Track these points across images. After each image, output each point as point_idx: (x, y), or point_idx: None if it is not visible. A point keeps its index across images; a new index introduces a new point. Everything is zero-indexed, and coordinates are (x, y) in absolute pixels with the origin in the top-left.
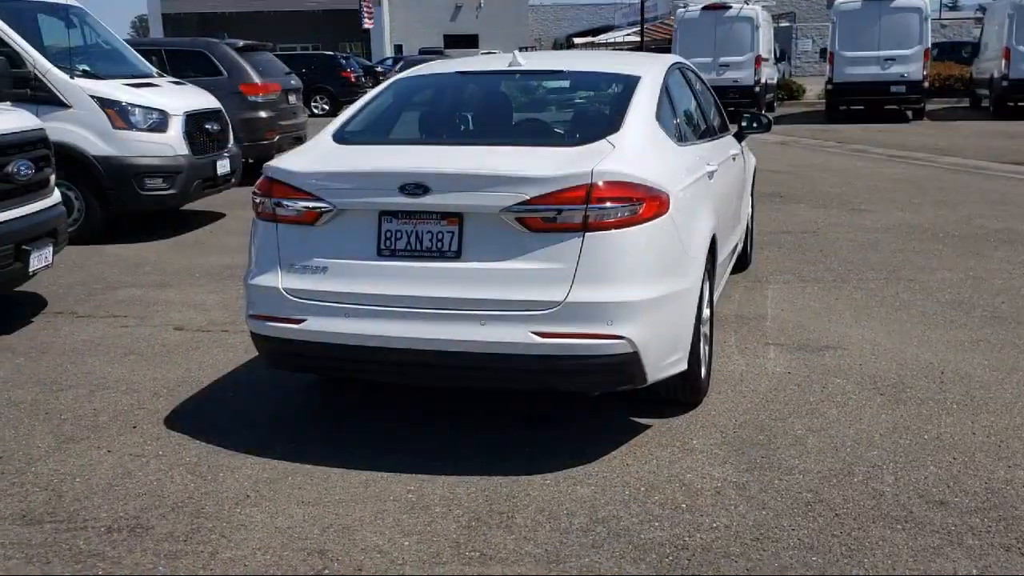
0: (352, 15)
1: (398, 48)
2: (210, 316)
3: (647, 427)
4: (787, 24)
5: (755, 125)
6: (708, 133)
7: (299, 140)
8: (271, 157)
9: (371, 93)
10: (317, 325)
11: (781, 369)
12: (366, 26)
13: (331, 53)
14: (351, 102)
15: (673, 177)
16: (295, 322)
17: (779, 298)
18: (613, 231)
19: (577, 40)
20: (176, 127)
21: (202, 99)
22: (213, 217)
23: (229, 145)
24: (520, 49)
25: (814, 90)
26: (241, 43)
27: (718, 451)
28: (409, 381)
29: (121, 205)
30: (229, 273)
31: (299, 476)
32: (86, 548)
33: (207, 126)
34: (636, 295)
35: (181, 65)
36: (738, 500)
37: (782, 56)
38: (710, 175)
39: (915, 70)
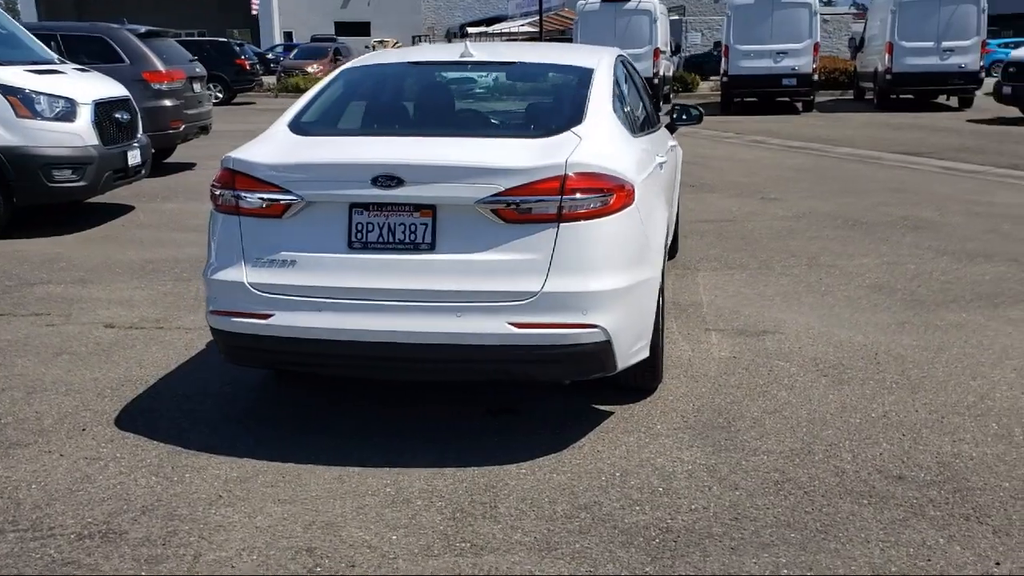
0: (239, 1)
1: (287, 35)
2: (140, 313)
3: (610, 414)
4: (677, 17)
5: (685, 117)
6: (648, 124)
7: (205, 130)
8: (174, 148)
9: (321, 83)
10: (285, 320)
11: (726, 354)
12: (254, 12)
13: (224, 40)
14: (246, 90)
15: (635, 168)
16: (261, 317)
17: (710, 285)
18: (586, 222)
19: (471, 30)
20: (85, 116)
21: (110, 87)
22: (120, 210)
23: (139, 135)
24: (415, 38)
25: (707, 82)
26: (143, 29)
27: (682, 435)
28: (382, 375)
29: (27, 198)
30: (152, 268)
31: (270, 474)
32: (58, 556)
33: (116, 115)
34: (608, 284)
35: (78, 51)
36: (711, 482)
37: (677, 49)
38: (660, 166)
39: (805, 63)
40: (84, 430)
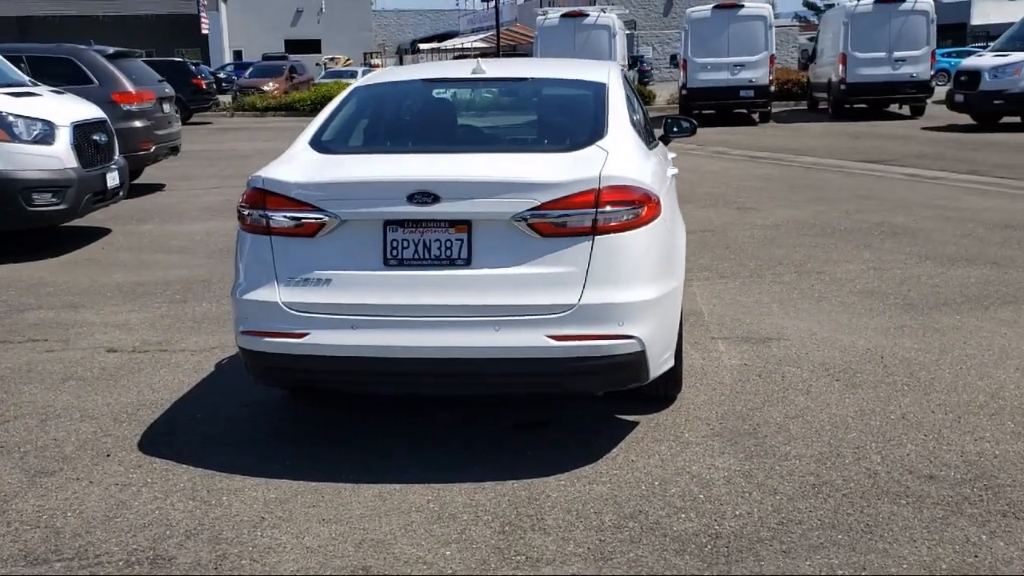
0: (188, 20)
1: (237, 54)
2: (140, 336)
3: (635, 424)
4: (629, 32)
5: (676, 130)
6: (652, 137)
7: (175, 150)
8: (142, 169)
9: (334, 103)
10: (322, 338)
11: (736, 361)
12: (204, 31)
13: (180, 60)
14: (202, 110)
15: (657, 180)
16: (297, 336)
17: (707, 294)
18: (619, 234)
19: (423, 46)
20: (64, 139)
21: (87, 109)
22: (96, 233)
23: (116, 157)
24: (367, 55)
25: (663, 95)
26: (111, 50)
27: (712, 442)
28: (419, 391)
29: (6, 223)
30: (142, 291)
31: (308, 494)
32: None
33: (95, 137)
34: (642, 295)
35: (44, 73)
36: (750, 488)
37: (634, 63)
38: (673, 177)
39: (762, 75)
40: (108, 456)
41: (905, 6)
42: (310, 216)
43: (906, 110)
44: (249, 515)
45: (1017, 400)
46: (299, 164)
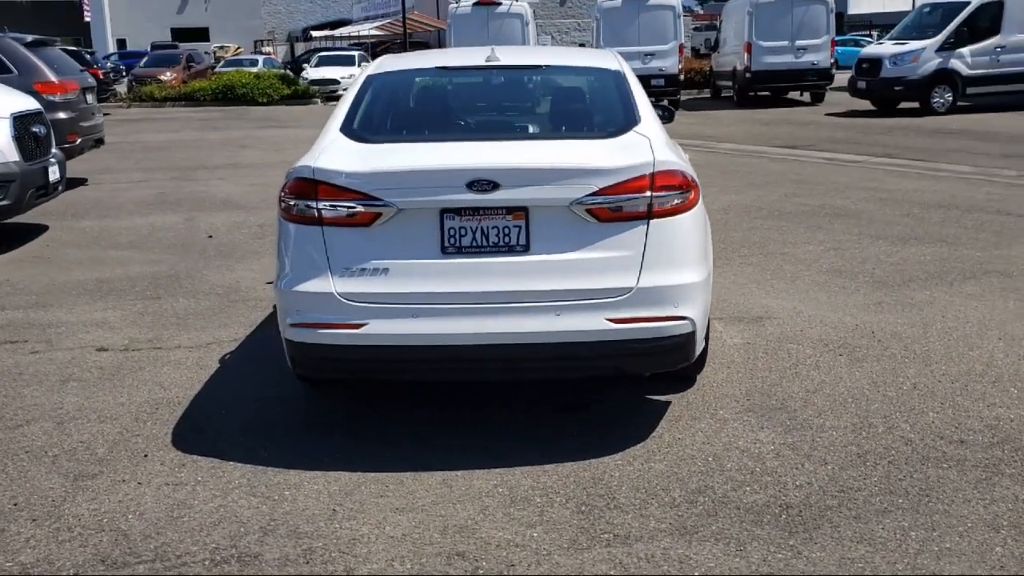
0: (67, 7)
1: (121, 43)
2: (127, 334)
3: (668, 404)
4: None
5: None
6: None
7: (100, 142)
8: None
9: (353, 92)
10: (381, 328)
11: (739, 340)
12: (87, 19)
13: (76, 48)
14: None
15: (690, 165)
16: (354, 327)
17: None
18: (671, 218)
19: (315, 33)
20: (5, 131)
21: (23, 100)
22: (34, 229)
23: (54, 150)
24: (257, 43)
25: None
26: (29, 37)
27: (748, 418)
28: (480, 377)
29: None
30: (108, 288)
31: (371, 485)
32: None
33: (34, 129)
34: (693, 277)
35: None
36: (799, 459)
37: None
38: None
39: (672, 64)
40: (146, 456)
41: None
42: (366, 205)
43: (807, 97)
44: (319, 508)
45: (1012, 368)
46: (345, 154)
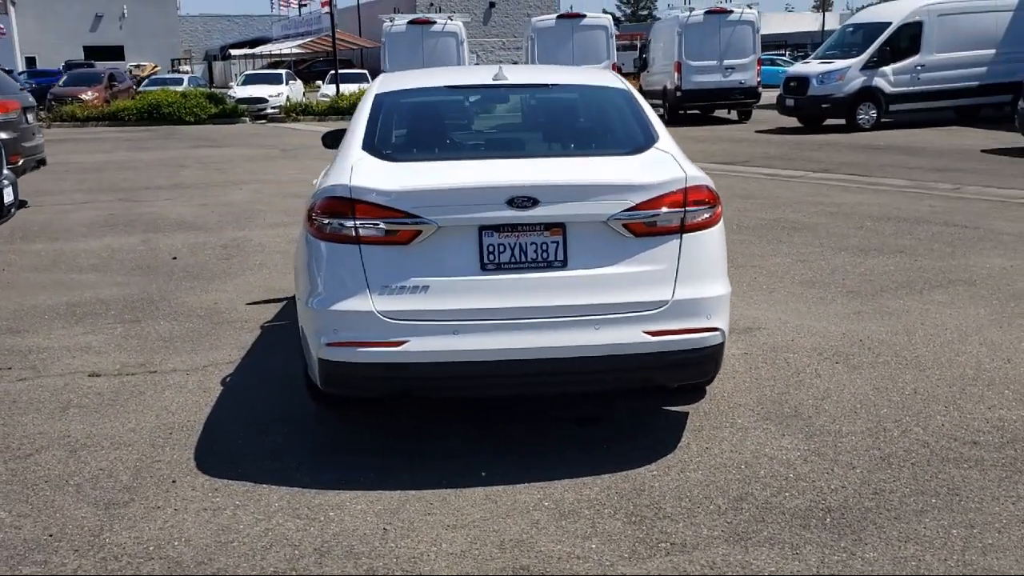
0: None
1: (30, 61)
2: (115, 358)
3: (685, 415)
4: None
5: None
6: None
7: (42, 163)
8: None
9: (365, 111)
10: (422, 345)
11: (737, 351)
12: None
13: None
14: None
15: None
16: (394, 345)
17: None
18: (700, 232)
19: (234, 52)
20: None
21: None
22: None
23: (5, 171)
24: (174, 61)
25: None
26: None
27: (767, 426)
28: (519, 392)
29: None
30: (82, 312)
31: (416, 502)
32: None
33: None
34: (721, 289)
35: None
36: (828, 464)
37: None
38: None
39: None
40: (174, 482)
41: (733, 17)
42: (406, 224)
43: (734, 115)
44: (369, 528)
45: (1000, 371)
46: (378, 172)
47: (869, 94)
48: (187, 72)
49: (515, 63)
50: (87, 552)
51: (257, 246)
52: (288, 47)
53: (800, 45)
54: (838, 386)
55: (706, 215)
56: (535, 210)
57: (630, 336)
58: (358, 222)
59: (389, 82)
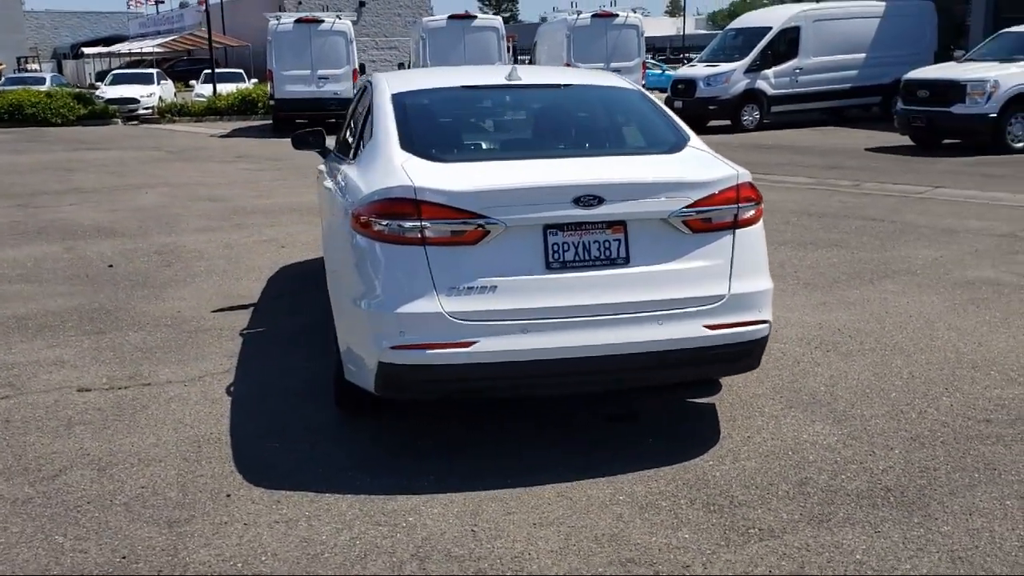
0: None
1: None
2: (99, 372)
3: (711, 406)
4: None
5: None
6: None
7: None
8: None
9: (387, 111)
10: (491, 345)
11: None
12: None
13: None
14: None
15: None
16: (463, 346)
17: None
18: (750, 227)
19: (87, 50)
20: None
21: None
22: None
23: None
24: (21, 59)
25: None
26: None
27: (795, 413)
28: (586, 389)
29: None
30: (37, 324)
31: (491, 503)
32: None
33: None
34: (768, 283)
35: None
36: (867, 446)
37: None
38: None
39: (346, 88)
40: (229, 496)
41: (618, 21)
42: (475, 224)
43: None
44: (457, 530)
45: (978, 354)
46: (437, 173)
47: (752, 96)
48: (35, 70)
49: (401, 65)
50: (171, 573)
51: (194, 252)
52: (148, 46)
53: (660, 49)
54: (840, 373)
55: (753, 211)
56: (599, 208)
57: (691, 331)
58: (424, 223)
59: (398, 82)
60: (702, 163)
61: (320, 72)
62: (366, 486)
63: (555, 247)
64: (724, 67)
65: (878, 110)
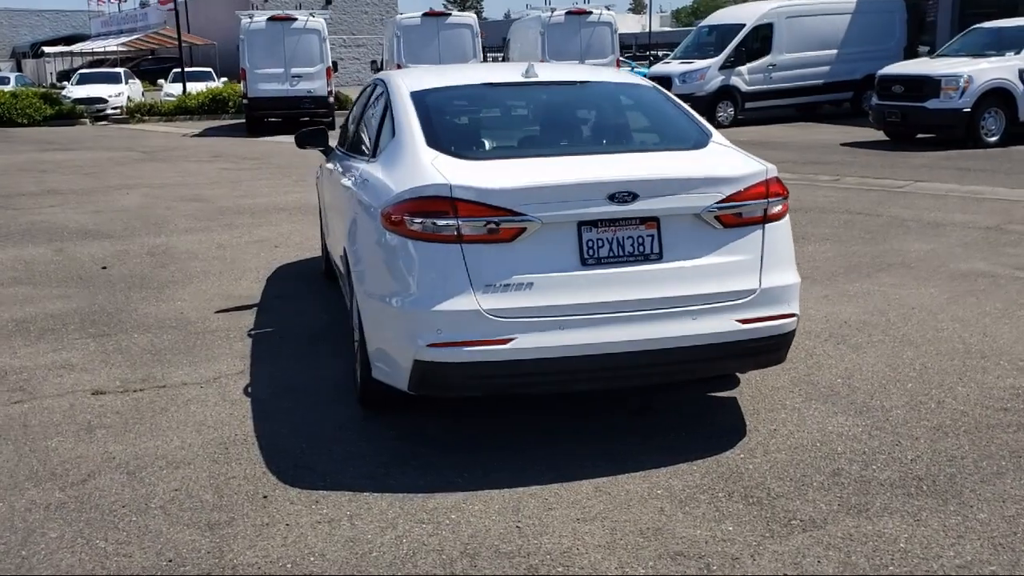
0: None
1: None
2: (110, 375)
3: (732, 400)
4: None
5: None
6: None
7: None
8: None
9: (407, 109)
10: (529, 342)
11: None
12: None
13: None
14: None
15: None
16: (501, 342)
17: None
18: (778, 222)
19: (48, 49)
20: None
21: None
22: None
23: None
24: None
25: None
26: None
27: (815, 405)
28: (620, 384)
29: None
30: (39, 328)
31: (530, 499)
32: None
33: None
34: (795, 277)
35: None
36: (892, 437)
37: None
38: None
39: (320, 86)
40: (266, 497)
41: (592, 18)
42: (512, 221)
43: None
44: (502, 527)
45: (985, 344)
46: (470, 171)
47: (727, 92)
48: None
49: (373, 62)
50: (220, 574)
51: (187, 253)
52: (111, 45)
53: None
54: (855, 365)
55: (780, 206)
56: (633, 204)
57: (724, 325)
58: (460, 221)
59: (414, 80)
60: (730, 159)
61: (294, 70)
62: (401, 484)
63: (590, 243)
64: (699, 64)
65: (849, 106)
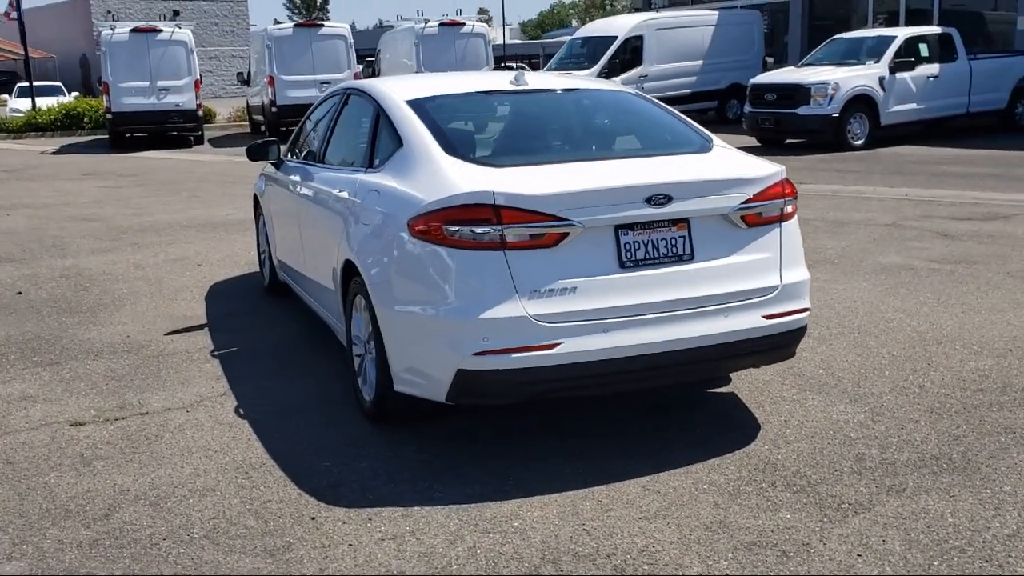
0: None
1: None
2: (81, 404)
3: (731, 395)
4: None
5: None
6: None
7: None
8: None
9: (409, 118)
10: (575, 346)
11: None
12: None
13: None
14: None
15: None
16: (548, 348)
17: None
18: (791, 220)
19: None
20: None
21: None
22: None
23: None
24: None
25: (222, 113)
26: None
27: (815, 396)
28: (660, 383)
29: None
30: None
31: (586, 502)
32: None
33: None
34: (807, 273)
35: None
36: (895, 421)
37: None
38: None
39: (188, 99)
40: (314, 518)
41: (465, 30)
42: (555, 227)
43: None
44: (570, 531)
45: (933, 331)
46: (507, 178)
47: None
48: None
49: (240, 74)
50: None
51: (105, 275)
52: None
53: None
54: (829, 356)
55: (793, 205)
56: (667, 207)
57: (753, 321)
58: (504, 228)
59: (404, 89)
60: (744, 161)
61: (160, 83)
62: (449, 496)
63: (627, 246)
64: (575, 75)
65: (715, 114)
